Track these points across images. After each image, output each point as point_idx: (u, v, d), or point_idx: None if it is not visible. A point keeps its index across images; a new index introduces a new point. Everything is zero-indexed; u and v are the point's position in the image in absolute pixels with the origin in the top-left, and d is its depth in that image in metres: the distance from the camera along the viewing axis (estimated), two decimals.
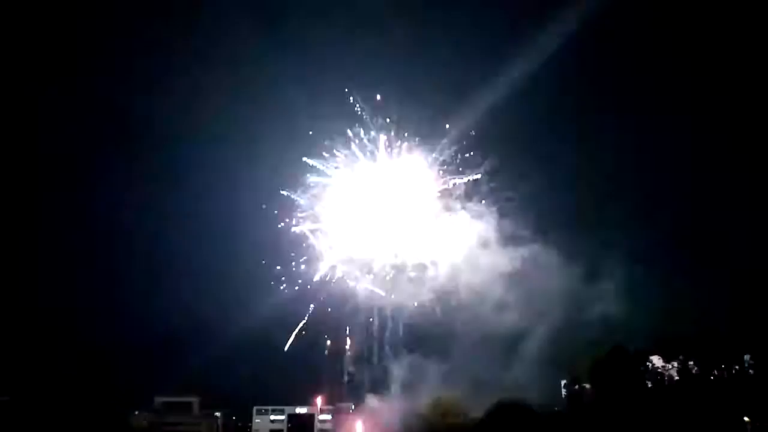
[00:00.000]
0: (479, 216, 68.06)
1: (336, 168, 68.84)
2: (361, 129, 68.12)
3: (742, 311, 63.27)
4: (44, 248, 73.73)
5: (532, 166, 70.10)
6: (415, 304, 68.53)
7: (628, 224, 70.23)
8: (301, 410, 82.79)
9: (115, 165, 76.73)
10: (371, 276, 69.20)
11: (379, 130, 67.97)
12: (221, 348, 75.12)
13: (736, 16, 69.78)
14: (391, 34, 72.38)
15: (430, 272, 68.40)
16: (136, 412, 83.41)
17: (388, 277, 68.99)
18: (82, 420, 69.87)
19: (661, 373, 66.40)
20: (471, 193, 68.53)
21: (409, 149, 68.28)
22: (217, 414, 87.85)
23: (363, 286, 69.32)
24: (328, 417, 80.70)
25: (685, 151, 68.86)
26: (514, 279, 66.80)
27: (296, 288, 69.34)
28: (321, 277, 69.42)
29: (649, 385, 65.72)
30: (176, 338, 75.66)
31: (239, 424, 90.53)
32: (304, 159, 68.24)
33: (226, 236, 75.83)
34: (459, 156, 68.35)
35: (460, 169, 68.35)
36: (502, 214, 67.56)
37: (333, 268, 69.57)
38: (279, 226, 69.19)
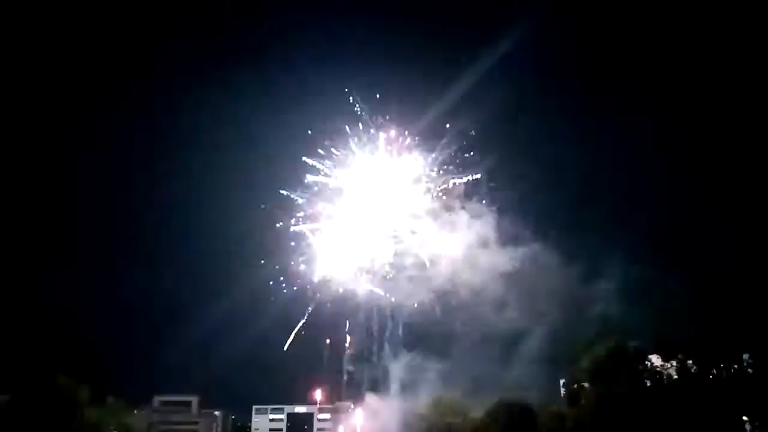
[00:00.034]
0: (479, 215, 68.23)
1: (335, 167, 69.02)
2: (361, 128, 68.26)
3: (742, 311, 63.28)
4: (44, 248, 73.42)
5: (532, 165, 70.39)
6: (415, 305, 68.71)
7: (628, 224, 70.31)
8: (300, 409, 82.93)
9: (114, 164, 76.37)
10: (371, 275, 69.43)
11: (378, 129, 68.14)
12: (221, 347, 75.42)
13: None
14: (391, 33, 72.25)
15: (430, 272, 68.65)
16: (136, 411, 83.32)
17: (388, 277, 69.20)
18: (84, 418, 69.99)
19: (660, 373, 66.29)
20: (471, 192, 68.73)
21: (409, 148, 68.40)
22: (216, 413, 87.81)
23: (362, 286, 69.56)
24: (327, 416, 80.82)
25: (686, 151, 68.77)
26: (513, 278, 66.92)
27: (295, 288, 69.59)
28: (320, 277, 69.66)
29: (648, 385, 65.57)
30: (175, 338, 75.75)
31: (238, 423, 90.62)
32: (304, 159, 68.41)
33: (225, 236, 75.75)
34: (459, 155, 68.52)
35: (460, 168, 68.51)
36: (502, 214, 67.67)
37: (332, 267, 69.76)
38: (278, 225, 69.35)
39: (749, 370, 62.40)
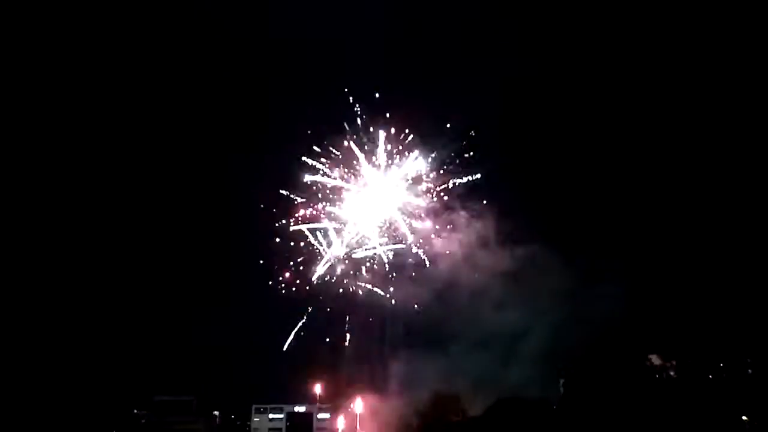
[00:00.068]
0: (479, 215, 68.28)
1: (335, 167, 69.01)
2: (361, 128, 68.21)
3: (741, 310, 63.43)
4: (44, 247, 73.16)
5: (532, 165, 70.42)
6: (416, 307, 68.78)
7: (628, 224, 70.31)
8: (299, 409, 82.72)
9: (112, 163, 76.11)
10: (371, 275, 69.54)
11: (378, 129, 68.06)
12: (220, 347, 75.28)
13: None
14: (391, 32, 72.09)
15: (430, 271, 68.75)
16: (135, 411, 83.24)
17: (388, 276, 69.35)
18: (82, 419, 70.11)
19: (660, 372, 66.54)
20: (471, 192, 68.79)
21: (409, 148, 68.39)
22: (216, 413, 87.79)
23: (362, 286, 69.67)
24: (326, 415, 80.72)
25: (686, 152, 68.76)
26: (513, 278, 66.98)
27: (294, 288, 69.65)
28: (320, 277, 69.73)
29: (648, 384, 65.80)
30: (174, 337, 75.60)
31: (237, 423, 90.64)
32: (303, 158, 68.41)
33: (224, 236, 75.55)
34: (459, 155, 68.54)
35: (460, 168, 68.52)
36: (501, 214, 67.67)
37: (332, 267, 69.86)
38: (276, 225, 69.40)
39: (749, 370, 62.69)
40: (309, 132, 68.26)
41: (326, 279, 69.51)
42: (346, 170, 68.77)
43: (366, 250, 69.42)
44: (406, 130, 67.75)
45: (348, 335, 70.92)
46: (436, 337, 69.41)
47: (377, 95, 67.81)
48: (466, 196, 68.40)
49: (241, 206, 72.95)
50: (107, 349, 75.03)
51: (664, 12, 70.09)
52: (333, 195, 69.37)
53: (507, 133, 70.21)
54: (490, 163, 67.86)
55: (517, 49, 71.42)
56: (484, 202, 67.99)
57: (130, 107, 75.14)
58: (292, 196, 68.94)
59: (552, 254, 65.66)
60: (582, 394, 66.42)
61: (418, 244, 68.99)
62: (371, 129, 67.47)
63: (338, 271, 69.53)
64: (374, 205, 69.37)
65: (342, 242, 69.46)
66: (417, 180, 68.85)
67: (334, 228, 69.50)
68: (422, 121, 67.36)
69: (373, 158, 68.16)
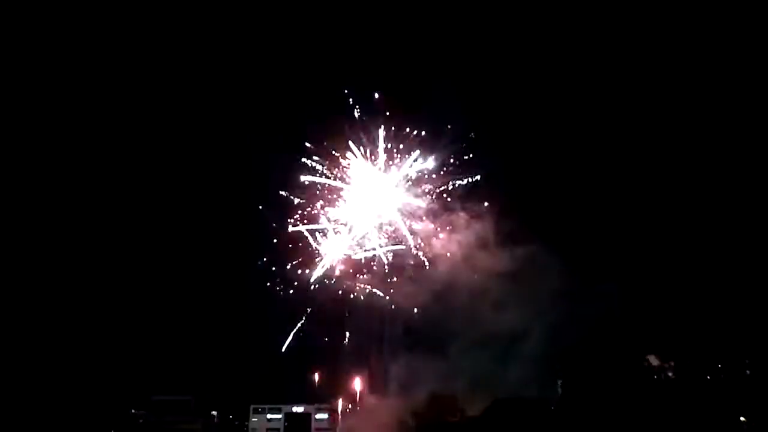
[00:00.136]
0: (478, 216, 68.25)
1: (333, 167, 68.93)
2: (360, 128, 68.12)
3: (740, 311, 63.63)
4: (43, 247, 72.95)
5: (532, 165, 70.40)
6: (415, 310, 68.79)
7: (628, 224, 70.45)
8: (297, 409, 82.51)
9: (110, 163, 75.88)
10: (370, 276, 69.52)
11: (377, 129, 67.94)
12: (219, 347, 75.26)
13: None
14: (391, 31, 71.97)
15: (430, 272, 68.72)
16: (133, 411, 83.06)
17: (387, 278, 69.30)
18: (80, 419, 69.93)
19: (658, 373, 66.73)
20: (471, 193, 68.77)
21: (409, 149, 68.33)
22: (214, 412, 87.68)
23: (361, 287, 69.60)
24: (325, 416, 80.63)
25: (687, 151, 68.85)
26: (512, 278, 66.98)
27: (292, 290, 69.58)
28: (319, 278, 69.68)
29: (646, 385, 66.00)
30: (173, 337, 75.53)
31: (236, 423, 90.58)
32: (303, 159, 68.32)
33: (223, 236, 75.43)
34: (459, 156, 68.51)
35: (460, 169, 68.49)
36: (501, 215, 67.68)
37: (331, 268, 69.78)
38: (274, 225, 69.34)
39: (747, 371, 62.92)
40: (309, 132, 68.41)
41: (325, 280, 69.64)
42: (345, 171, 68.88)
43: (365, 251, 69.53)
44: (407, 129, 67.90)
45: (347, 336, 71.08)
46: (435, 338, 69.43)
47: (377, 95, 67.99)
48: (465, 197, 68.60)
49: (241, 206, 72.98)
50: (105, 349, 75.00)
51: (665, 12, 70.18)
52: (332, 196, 69.53)
53: (507, 134, 70.27)
54: (490, 164, 68.06)
55: (517, 49, 71.55)
56: (486, 204, 68.21)
57: (130, 107, 75.11)
58: (290, 197, 69.05)
59: (551, 254, 65.65)
60: (580, 395, 66.48)
61: (417, 246, 69.16)
62: (371, 129, 67.56)
63: (337, 272, 69.69)
64: (374, 206, 69.45)
65: (341, 243, 69.56)
66: (417, 181, 69.05)
67: (333, 229, 69.62)
68: (422, 122, 67.50)
69: (373, 159, 68.28)
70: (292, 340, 70.48)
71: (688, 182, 69.46)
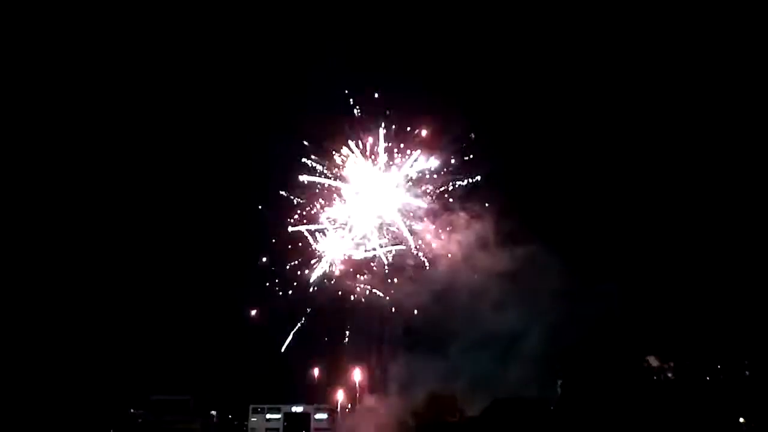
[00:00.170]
0: (478, 216, 68.28)
1: (333, 168, 68.98)
2: (360, 128, 68.18)
3: (740, 312, 63.67)
4: (43, 247, 72.83)
5: (532, 166, 70.41)
6: (415, 310, 68.80)
7: (627, 224, 70.47)
8: (297, 409, 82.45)
9: (110, 163, 75.77)
10: (370, 276, 69.56)
11: (377, 129, 67.99)
12: (218, 347, 75.20)
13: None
14: (391, 31, 71.93)
15: (430, 272, 68.77)
16: (132, 410, 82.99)
17: (387, 279, 69.36)
18: (79, 418, 69.90)
19: (658, 374, 66.78)
20: (471, 193, 68.85)
21: (409, 149, 68.37)
22: (213, 412, 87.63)
23: (361, 287, 69.65)
24: (324, 416, 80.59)
25: (686, 151, 68.89)
26: (511, 278, 66.99)
27: (292, 290, 69.66)
28: (319, 278, 69.70)
29: (646, 385, 66.04)
30: (172, 337, 75.44)
31: (235, 423, 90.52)
32: (303, 159, 68.34)
33: (223, 236, 75.35)
34: (459, 156, 68.59)
35: (460, 169, 68.58)
36: (501, 214, 67.72)
37: (331, 268, 69.83)
38: (273, 225, 69.36)
39: (746, 371, 62.98)
40: (308, 133, 68.43)
41: (325, 280, 69.68)
42: (345, 171, 68.89)
43: (365, 251, 69.60)
44: (408, 129, 67.98)
45: (346, 336, 71.11)
46: (435, 338, 69.44)
47: (376, 95, 68.06)
48: (465, 197, 68.70)
49: (240, 206, 72.93)
50: (104, 349, 74.93)
51: (664, 13, 70.22)
52: (332, 196, 69.58)
53: (507, 134, 70.29)
54: (490, 164, 68.10)
55: (517, 49, 71.55)
56: (486, 204, 68.26)
57: (130, 108, 75.03)
58: (290, 197, 69.09)
59: (551, 254, 65.64)
60: (580, 395, 66.51)
61: (417, 246, 69.24)
62: (371, 130, 67.62)
63: (337, 272, 69.75)
64: (374, 206, 69.51)
65: (341, 243, 69.60)
66: (417, 181, 69.12)
67: (333, 229, 69.64)
68: (423, 122, 67.54)
69: (373, 159, 68.34)
70: (291, 339, 70.64)
71: (687, 183, 69.53)
